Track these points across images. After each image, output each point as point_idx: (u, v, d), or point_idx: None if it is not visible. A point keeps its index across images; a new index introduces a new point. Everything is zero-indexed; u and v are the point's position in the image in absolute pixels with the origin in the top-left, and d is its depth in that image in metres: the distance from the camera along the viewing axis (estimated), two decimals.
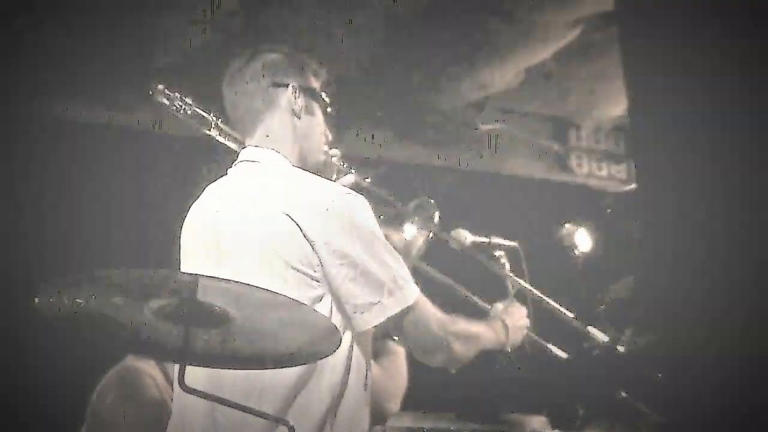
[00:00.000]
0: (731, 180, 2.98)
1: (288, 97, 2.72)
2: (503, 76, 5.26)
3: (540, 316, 3.24)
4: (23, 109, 4.67)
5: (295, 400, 2.45)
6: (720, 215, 2.98)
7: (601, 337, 3.39)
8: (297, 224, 2.48)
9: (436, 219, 3.28)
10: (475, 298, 3.28)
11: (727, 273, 2.95)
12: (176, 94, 2.94)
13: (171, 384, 3.25)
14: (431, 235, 3.26)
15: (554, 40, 4.89)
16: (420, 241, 3.23)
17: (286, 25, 4.63)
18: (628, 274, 4.16)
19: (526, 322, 3.05)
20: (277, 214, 2.50)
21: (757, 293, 2.89)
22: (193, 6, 4.57)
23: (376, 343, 2.98)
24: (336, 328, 2.26)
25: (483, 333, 2.81)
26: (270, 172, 2.65)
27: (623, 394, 3.27)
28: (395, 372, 3.24)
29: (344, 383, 2.51)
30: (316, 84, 2.79)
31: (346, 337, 2.51)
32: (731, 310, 2.91)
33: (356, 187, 2.85)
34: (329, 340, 2.23)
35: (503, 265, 3.37)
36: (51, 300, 2.11)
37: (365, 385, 2.57)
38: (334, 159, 2.91)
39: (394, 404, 3.22)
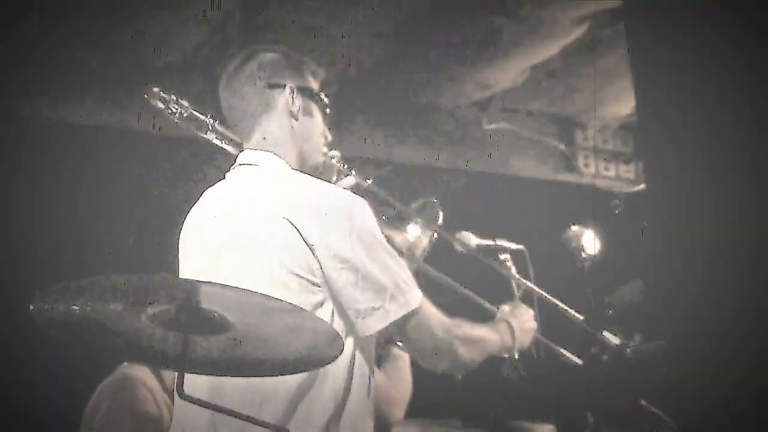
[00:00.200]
0: (743, 180, 2.94)
1: (285, 98, 2.68)
2: (508, 74, 5.22)
3: (545, 320, 3.20)
4: (18, 111, 4.65)
5: (296, 408, 2.42)
6: (731, 216, 2.94)
7: (613, 341, 3.35)
8: (296, 228, 2.45)
9: (440, 219, 3.26)
10: (481, 301, 3.24)
11: (739, 275, 2.90)
12: (172, 96, 2.91)
13: (168, 393, 3.21)
14: (435, 235, 3.23)
15: (560, 37, 4.85)
16: (424, 242, 3.21)
17: (286, 25, 4.60)
18: (637, 277, 4.12)
19: (533, 324, 3.00)
20: (276, 219, 2.47)
21: None
22: (194, 6, 4.54)
23: (380, 348, 2.95)
24: (338, 334, 2.25)
25: (488, 336, 2.77)
26: (268, 175, 2.63)
27: (642, 402, 3.23)
28: (399, 378, 3.22)
29: (347, 390, 2.47)
30: (314, 84, 2.76)
31: (349, 343, 2.47)
32: (743, 314, 2.87)
33: (357, 189, 2.82)
34: (331, 346, 2.21)
35: (509, 268, 3.34)
36: (46, 307, 2.09)
37: (368, 392, 2.54)
38: (333, 160, 2.89)
39: (399, 412, 3.20)
